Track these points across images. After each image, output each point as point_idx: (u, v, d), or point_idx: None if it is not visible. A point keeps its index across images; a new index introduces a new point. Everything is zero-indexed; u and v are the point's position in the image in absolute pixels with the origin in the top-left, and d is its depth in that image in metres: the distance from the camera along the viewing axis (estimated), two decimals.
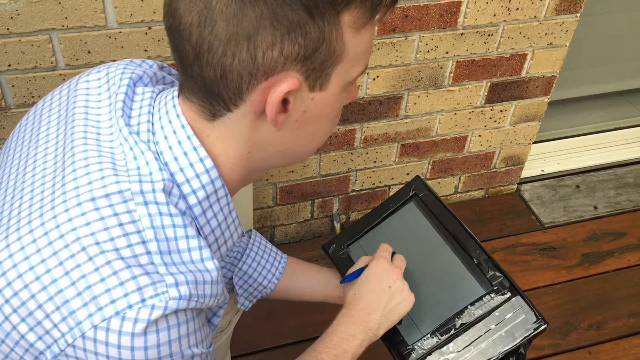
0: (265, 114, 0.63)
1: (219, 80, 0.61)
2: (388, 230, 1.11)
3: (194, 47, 0.60)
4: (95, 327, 0.58)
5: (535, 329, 0.92)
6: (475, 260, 1.00)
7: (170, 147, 0.65)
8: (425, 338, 0.96)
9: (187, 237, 0.63)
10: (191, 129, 0.65)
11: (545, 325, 0.93)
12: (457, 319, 0.96)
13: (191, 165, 0.65)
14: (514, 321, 0.94)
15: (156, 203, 0.62)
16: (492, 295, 0.96)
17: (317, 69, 0.61)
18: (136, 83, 0.72)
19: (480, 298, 0.97)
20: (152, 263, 0.60)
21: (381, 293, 0.91)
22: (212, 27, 0.58)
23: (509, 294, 0.96)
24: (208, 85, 0.62)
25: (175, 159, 0.65)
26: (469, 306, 0.96)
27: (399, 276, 0.93)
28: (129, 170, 0.64)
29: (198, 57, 0.60)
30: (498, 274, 0.98)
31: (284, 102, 0.62)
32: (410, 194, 1.10)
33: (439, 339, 0.95)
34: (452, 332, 0.95)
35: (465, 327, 0.95)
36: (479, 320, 0.95)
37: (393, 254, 0.99)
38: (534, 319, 0.93)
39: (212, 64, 0.60)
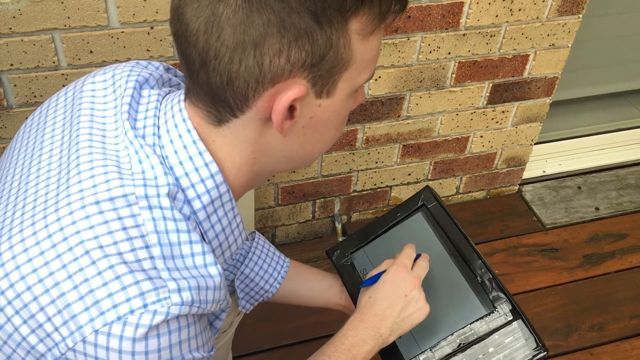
0: (271, 120, 0.62)
1: (225, 87, 0.60)
2: (394, 240, 1.09)
3: (201, 53, 0.59)
4: (96, 331, 0.58)
5: (534, 356, 0.90)
6: (479, 278, 0.98)
7: (175, 151, 0.65)
8: (422, 354, 0.94)
9: (190, 242, 0.63)
10: (197, 134, 0.65)
11: (545, 353, 0.90)
12: (456, 338, 0.94)
13: (196, 169, 0.65)
14: (513, 346, 0.91)
15: (160, 207, 0.62)
16: (494, 316, 0.94)
17: (324, 76, 0.61)
18: (142, 86, 0.72)
19: (481, 318, 0.94)
20: (155, 268, 0.60)
21: (396, 300, 0.89)
22: (219, 34, 0.58)
23: (510, 317, 0.93)
24: (214, 92, 0.62)
25: (181, 163, 0.65)
26: (469, 326, 0.94)
27: (416, 285, 0.90)
28: (134, 174, 0.63)
29: (204, 63, 0.60)
30: (502, 295, 0.95)
31: (291, 108, 0.62)
32: (419, 204, 1.08)
33: (436, 357, 0.93)
34: (450, 351, 0.93)
35: (463, 348, 0.93)
36: (478, 341, 0.93)
37: (418, 256, 0.97)
38: (534, 345, 0.91)
39: (218, 70, 0.59)
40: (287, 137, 0.65)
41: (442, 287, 1.00)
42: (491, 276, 0.97)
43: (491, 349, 0.92)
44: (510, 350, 0.91)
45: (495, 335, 0.93)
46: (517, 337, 0.92)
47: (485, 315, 0.94)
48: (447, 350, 0.93)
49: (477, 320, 0.94)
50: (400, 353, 0.95)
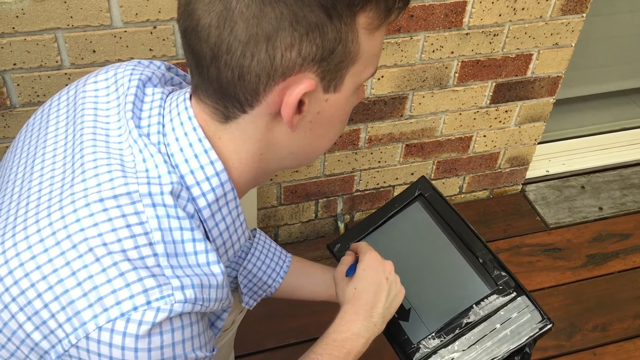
0: (279, 115, 0.63)
1: (236, 82, 0.61)
2: (393, 230, 1.11)
3: (212, 48, 0.59)
4: (99, 328, 0.58)
5: (540, 329, 0.93)
6: (480, 259, 1.01)
7: (181, 149, 0.65)
8: (430, 337, 0.96)
9: (194, 240, 0.63)
10: (202, 132, 0.65)
11: (551, 325, 0.93)
12: (462, 318, 0.96)
13: (202, 167, 0.65)
14: (519, 320, 0.94)
15: (164, 205, 0.62)
16: (498, 294, 0.97)
17: (333, 70, 0.61)
18: (145, 84, 0.72)
19: (486, 297, 0.97)
20: (159, 265, 0.60)
21: (380, 286, 0.91)
22: (232, 28, 0.58)
23: (514, 294, 0.96)
24: (224, 87, 0.62)
25: (186, 161, 0.65)
26: (474, 305, 0.97)
27: (392, 268, 0.94)
28: (138, 173, 0.64)
29: (216, 58, 0.60)
30: (503, 273, 0.98)
31: (299, 103, 0.62)
32: (416, 194, 1.11)
33: (444, 338, 0.95)
34: (457, 331, 0.95)
35: (471, 326, 0.95)
36: (485, 319, 0.95)
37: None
38: (540, 318, 0.93)
39: (230, 65, 0.60)
40: (295, 133, 0.65)
41: (445, 271, 1.02)
42: (492, 256, 1.00)
43: (498, 325, 0.94)
44: (517, 325, 0.94)
45: (501, 312, 0.95)
46: (522, 312, 0.95)
47: (490, 294, 0.97)
48: (455, 330, 0.95)
49: (482, 299, 0.97)
50: (408, 337, 0.97)
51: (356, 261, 0.96)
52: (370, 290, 0.91)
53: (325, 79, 0.61)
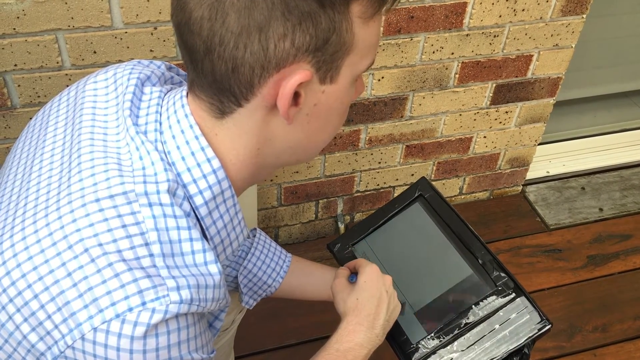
0: (276, 108, 0.62)
1: (230, 74, 0.60)
2: (393, 230, 1.11)
3: (205, 41, 0.59)
4: (95, 329, 0.58)
5: (539, 329, 0.93)
6: (480, 260, 1.01)
7: (177, 147, 0.65)
8: (429, 337, 0.97)
9: (191, 239, 0.63)
10: (199, 129, 0.65)
11: (550, 326, 0.93)
12: (461, 319, 0.97)
13: (198, 165, 0.65)
14: (518, 321, 0.94)
15: (160, 204, 0.62)
16: (497, 295, 0.97)
17: (328, 60, 0.61)
18: (144, 83, 0.72)
19: (485, 298, 0.97)
20: (155, 266, 0.60)
21: (382, 297, 0.92)
22: (224, 20, 0.57)
23: (513, 295, 0.97)
24: (219, 81, 0.61)
25: (183, 158, 0.65)
26: (473, 306, 0.97)
27: (391, 282, 0.95)
28: (134, 171, 0.63)
29: (209, 51, 0.60)
30: (502, 274, 0.99)
31: (295, 95, 0.62)
32: (416, 195, 1.11)
33: (443, 338, 0.96)
34: (456, 331, 0.96)
35: (470, 327, 0.95)
36: (484, 320, 0.96)
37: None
38: (538, 319, 0.94)
39: (223, 57, 0.59)
40: (292, 126, 0.65)
41: (445, 273, 1.03)
42: (491, 257, 1.01)
43: (497, 326, 0.95)
44: (516, 326, 0.94)
45: (500, 313, 0.96)
46: (521, 312, 0.95)
47: (489, 295, 0.98)
48: (455, 330, 0.96)
49: (481, 300, 0.98)
50: (407, 337, 0.98)
51: (355, 274, 0.97)
52: (373, 302, 0.91)
53: (321, 70, 0.61)
